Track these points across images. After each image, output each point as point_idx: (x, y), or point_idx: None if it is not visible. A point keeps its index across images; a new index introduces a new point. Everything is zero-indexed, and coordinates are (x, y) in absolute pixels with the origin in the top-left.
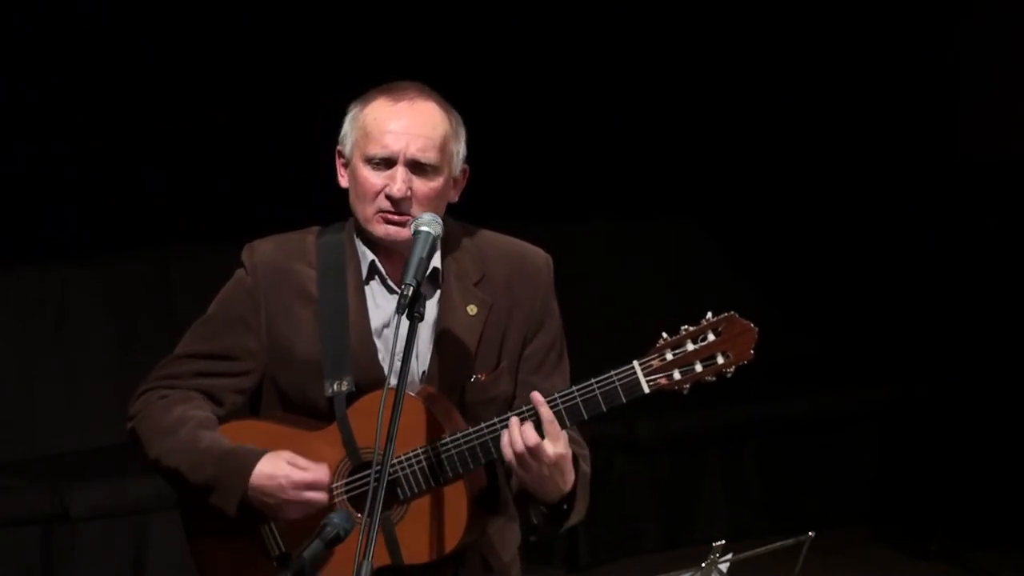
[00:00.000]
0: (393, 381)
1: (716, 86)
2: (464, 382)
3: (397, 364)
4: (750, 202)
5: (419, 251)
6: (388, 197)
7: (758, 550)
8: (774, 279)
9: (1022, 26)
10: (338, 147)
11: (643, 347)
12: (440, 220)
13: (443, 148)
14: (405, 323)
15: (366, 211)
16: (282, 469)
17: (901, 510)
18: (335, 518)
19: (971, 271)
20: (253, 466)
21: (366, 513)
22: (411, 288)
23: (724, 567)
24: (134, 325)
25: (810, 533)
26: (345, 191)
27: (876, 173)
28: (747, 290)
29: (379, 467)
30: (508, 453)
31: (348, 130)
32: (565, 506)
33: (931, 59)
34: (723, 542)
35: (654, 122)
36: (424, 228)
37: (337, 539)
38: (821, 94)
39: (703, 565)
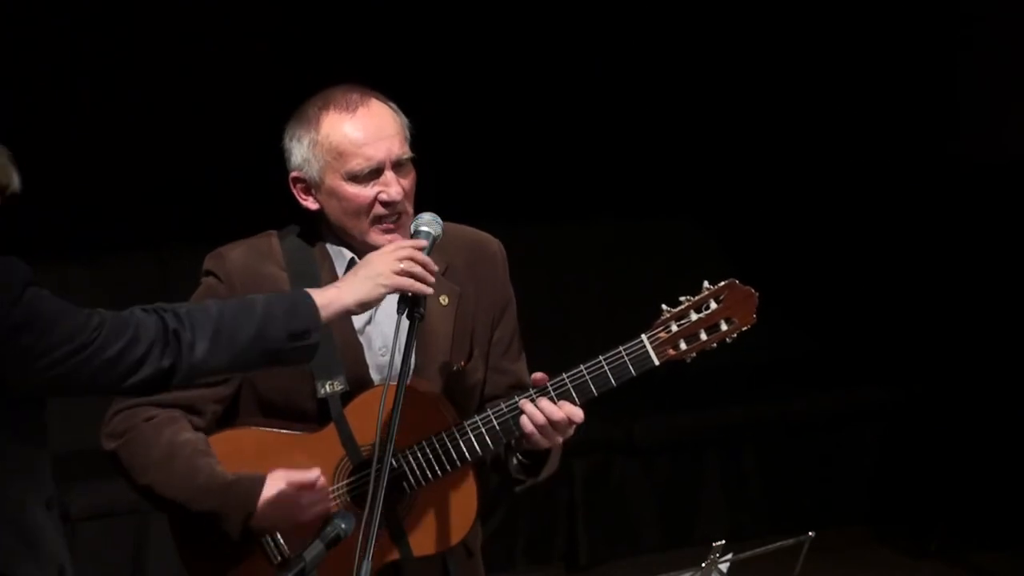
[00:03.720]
0: (393, 380)
1: (716, 86)
2: (447, 372)
3: (397, 363)
4: (749, 202)
5: None
6: (385, 203)
7: (758, 550)
8: (774, 279)
9: (1022, 26)
10: (293, 174)
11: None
12: (439, 220)
13: (406, 137)
14: (405, 323)
15: (361, 225)
16: (286, 494)
17: (901, 510)
18: (336, 518)
19: (971, 271)
20: (257, 497)
21: (366, 509)
22: None
23: (724, 567)
24: None
25: (810, 533)
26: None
27: (876, 173)
28: None
29: (379, 464)
30: (530, 428)
31: (308, 155)
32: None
33: (931, 59)
34: (723, 542)
35: (654, 123)
36: (424, 228)
37: (337, 540)
38: (821, 94)
39: (703, 565)
